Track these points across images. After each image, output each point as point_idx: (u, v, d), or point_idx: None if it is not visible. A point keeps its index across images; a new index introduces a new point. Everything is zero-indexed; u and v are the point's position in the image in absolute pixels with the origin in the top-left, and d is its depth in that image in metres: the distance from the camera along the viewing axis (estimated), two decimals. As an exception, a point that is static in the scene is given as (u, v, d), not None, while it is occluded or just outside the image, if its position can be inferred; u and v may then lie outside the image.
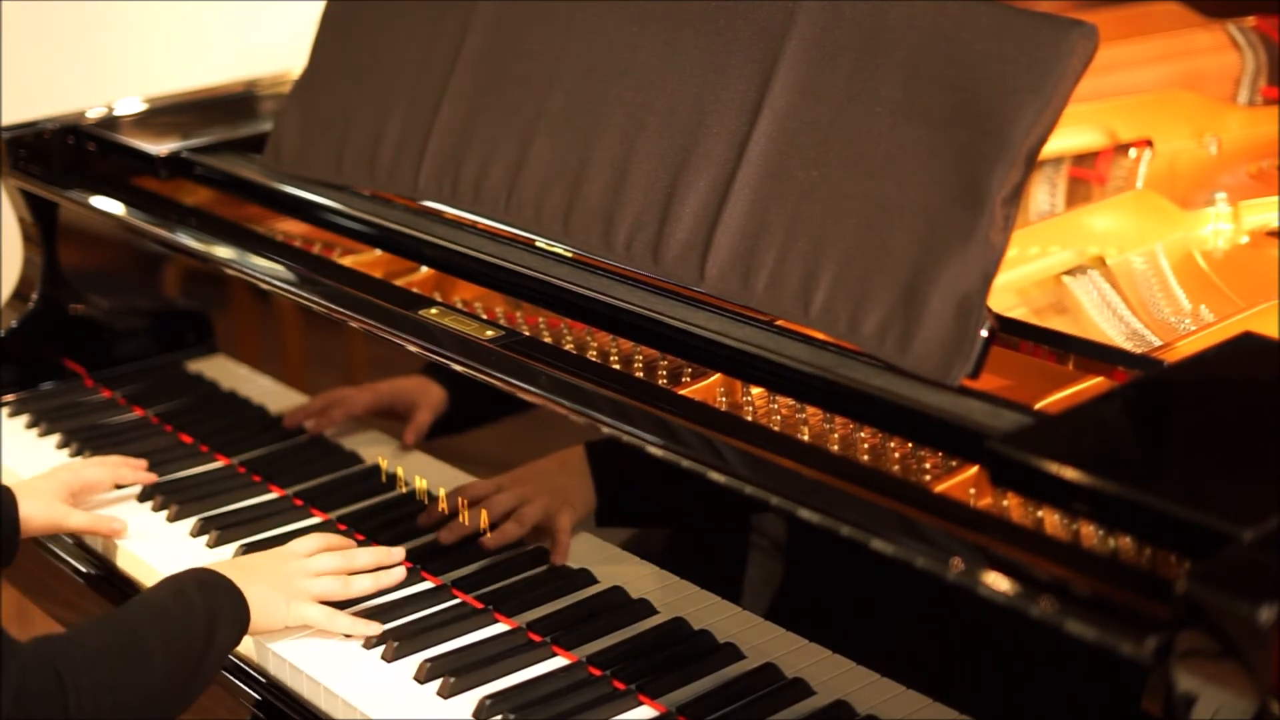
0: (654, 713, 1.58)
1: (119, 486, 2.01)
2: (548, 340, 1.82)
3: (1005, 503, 1.47)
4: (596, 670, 1.63)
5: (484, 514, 1.82)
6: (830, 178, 1.63)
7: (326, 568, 1.75)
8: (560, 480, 1.74)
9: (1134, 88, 2.32)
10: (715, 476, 1.49)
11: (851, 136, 1.62)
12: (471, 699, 1.60)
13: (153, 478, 2.03)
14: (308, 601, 1.71)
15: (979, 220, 1.52)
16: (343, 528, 1.92)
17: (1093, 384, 1.55)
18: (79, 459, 2.10)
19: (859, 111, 1.62)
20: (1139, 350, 1.75)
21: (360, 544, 1.87)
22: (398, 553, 1.79)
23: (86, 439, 2.18)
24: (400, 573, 1.77)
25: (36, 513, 1.87)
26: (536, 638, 1.69)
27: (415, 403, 1.88)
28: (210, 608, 1.62)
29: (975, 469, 1.48)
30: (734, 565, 1.57)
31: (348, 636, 1.71)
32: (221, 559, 1.86)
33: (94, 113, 2.40)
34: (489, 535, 1.79)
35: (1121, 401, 1.43)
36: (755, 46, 1.71)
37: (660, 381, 1.70)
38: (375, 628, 1.71)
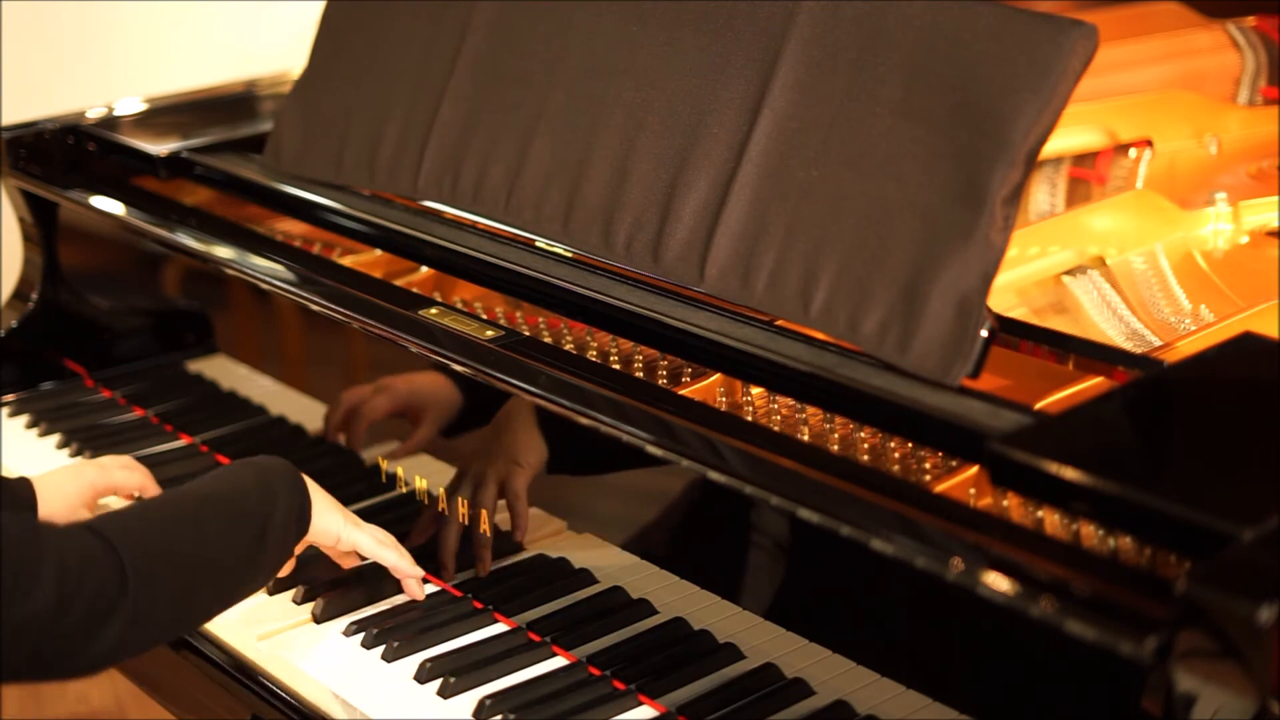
0: (654, 713, 1.58)
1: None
2: (548, 340, 1.82)
3: (1005, 503, 1.47)
4: (596, 670, 1.63)
5: (484, 515, 1.82)
6: (830, 178, 1.63)
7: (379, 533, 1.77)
8: (501, 443, 1.75)
9: (1134, 88, 2.32)
10: (715, 476, 1.49)
11: (851, 136, 1.62)
12: (471, 699, 1.60)
13: None
14: (361, 530, 1.73)
15: (979, 220, 1.52)
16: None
17: (1093, 384, 1.55)
18: (107, 457, 2.01)
19: (859, 111, 1.62)
20: (1139, 350, 1.75)
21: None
22: (420, 592, 1.78)
23: (86, 439, 2.18)
24: (421, 593, 1.77)
25: (58, 519, 1.82)
26: (536, 638, 1.69)
27: (421, 415, 1.88)
28: (266, 484, 1.62)
29: (975, 469, 1.48)
30: (734, 565, 1.57)
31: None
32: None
33: (94, 113, 2.40)
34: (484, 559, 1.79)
35: (1121, 401, 1.44)
36: (755, 46, 1.71)
37: (660, 381, 1.70)
38: (420, 591, 1.76)
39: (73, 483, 1.86)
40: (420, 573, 1.77)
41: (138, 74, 3.26)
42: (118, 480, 1.91)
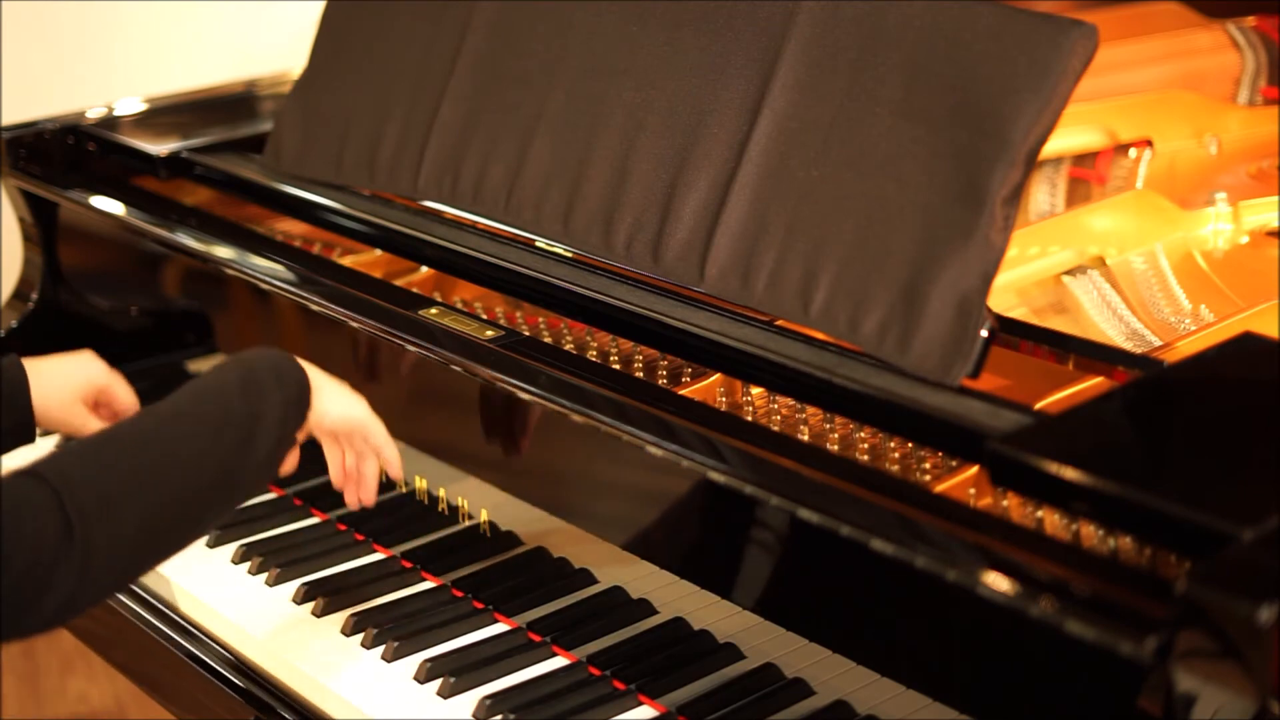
0: (654, 713, 1.58)
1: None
2: (548, 340, 1.82)
3: (1005, 503, 1.47)
4: (596, 670, 1.64)
5: (484, 513, 1.83)
6: (830, 178, 1.63)
7: None
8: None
9: (1134, 88, 2.32)
10: (715, 476, 1.49)
11: (851, 136, 1.62)
12: (471, 699, 1.60)
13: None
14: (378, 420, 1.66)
15: (979, 220, 1.52)
16: (342, 528, 1.92)
17: (1093, 384, 1.55)
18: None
19: (859, 111, 1.62)
20: (1139, 350, 1.75)
21: (359, 544, 1.88)
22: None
23: (86, 439, 2.18)
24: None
25: (52, 406, 1.69)
26: (536, 638, 1.69)
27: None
28: (252, 409, 1.48)
29: (975, 469, 1.48)
30: (734, 565, 1.57)
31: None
32: (223, 563, 1.86)
33: (94, 113, 2.40)
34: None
35: (1121, 401, 1.44)
36: (755, 46, 1.71)
37: (660, 381, 1.71)
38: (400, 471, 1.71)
39: (78, 372, 1.74)
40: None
41: (138, 74, 3.27)
42: (118, 390, 1.79)
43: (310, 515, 1.96)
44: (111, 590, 1.39)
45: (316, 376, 1.61)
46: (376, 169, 2.05)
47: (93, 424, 1.77)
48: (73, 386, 1.75)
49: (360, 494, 1.72)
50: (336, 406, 1.63)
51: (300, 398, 1.57)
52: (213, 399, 1.49)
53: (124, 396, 1.80)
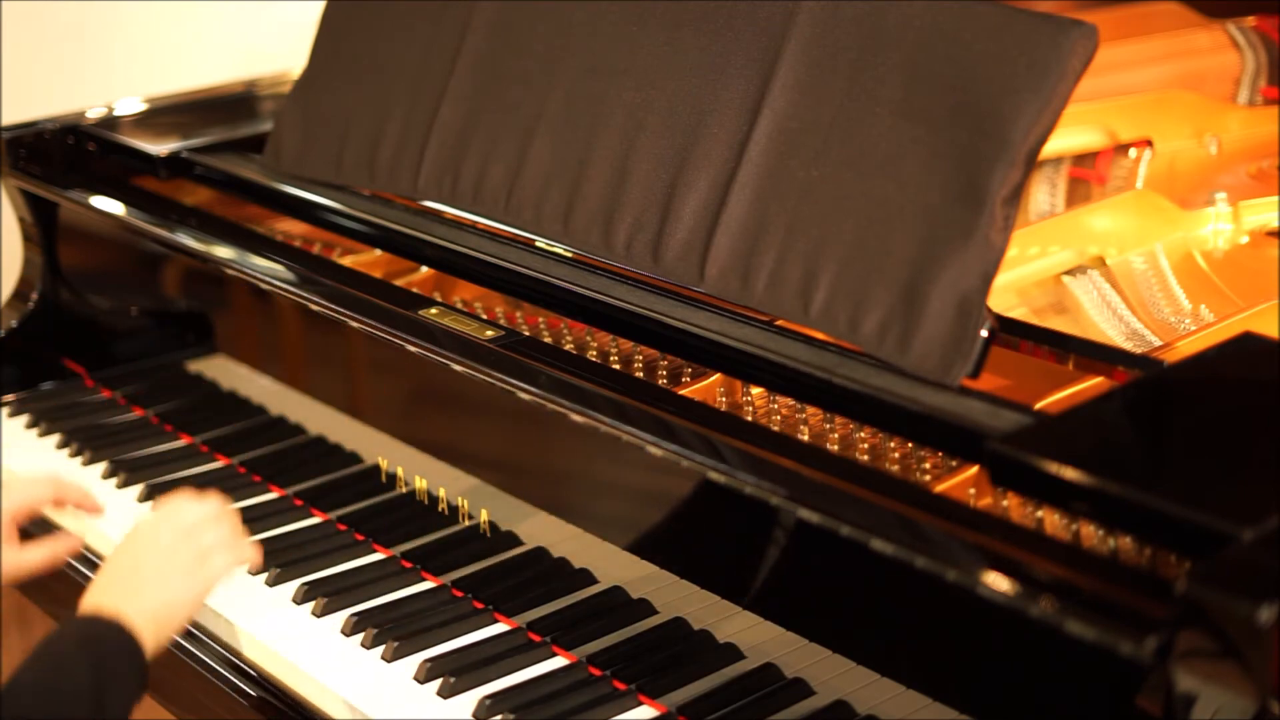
0: (654, 713, 1.58)
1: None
2: (548, 340, 1.82)
3: (1005, 503, 1.47)
4: (596, 670, 1.64)
5: (484, 513, 1.83)
6: (830, 178, 1.63)
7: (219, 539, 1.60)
8: None
9: (1134, 88, 2.32)
10: (715, 476, 1.49)
11: (851, 136, 1.62)
12: (471, 699, 1.60)
13: (101, 509, 1.78)
14: (213, 563, 1.58)
15: (979, 220, 1.52)
16: (342, 528, 1.92)
17: (1093, 384, 1.55)
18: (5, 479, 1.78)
19: (859, 111, 1.62)
20: (1139, 350, 1.75)
21: (359, 544, 1.88)
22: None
23: (86, 439, 2.18)
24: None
25: None
26: (536, 638, 1.69)
27: None
28: (97, 678, 1.42)
29: (975, 469, 1.48)
30: (734, 565, 1.57)
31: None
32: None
33: (94, 113, 2.40)
34: None
35: (1121, 401, 1.44)
36: (755, 46, 1.71)
37: (660, 381, 1.71)
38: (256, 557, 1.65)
39: None
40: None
41: (138, 74, 3.26)
42: (20, 501, 1.70)
43: (310, 515, 1.97)
44: None
45: (147, 626, 1.48)
46: (376, 169, 2.05)
47: (30, 553, 1.68)
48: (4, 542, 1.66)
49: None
50: (181, 622, 1.55)
51: (142, 675, 1.48)
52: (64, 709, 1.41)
53: (31, 497, 1.71)
